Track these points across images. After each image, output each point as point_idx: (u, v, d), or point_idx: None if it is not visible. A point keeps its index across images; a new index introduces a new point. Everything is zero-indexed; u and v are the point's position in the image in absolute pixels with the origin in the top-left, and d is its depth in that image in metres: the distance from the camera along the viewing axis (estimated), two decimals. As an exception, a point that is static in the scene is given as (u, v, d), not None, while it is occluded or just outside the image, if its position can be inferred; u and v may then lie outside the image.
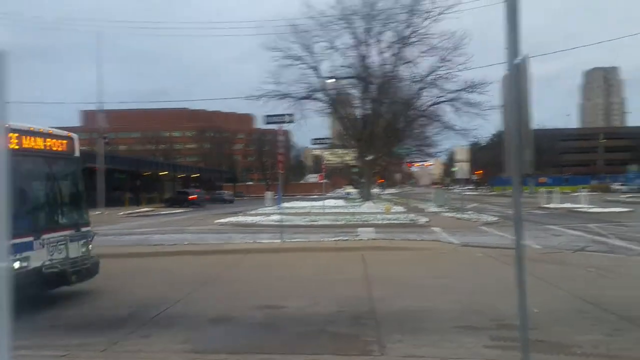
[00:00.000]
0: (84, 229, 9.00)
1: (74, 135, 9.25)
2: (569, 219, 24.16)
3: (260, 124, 49.45)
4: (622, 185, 60.73)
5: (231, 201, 62.02)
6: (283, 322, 7.07)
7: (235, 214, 30.97)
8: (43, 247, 7.96)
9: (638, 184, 58.35)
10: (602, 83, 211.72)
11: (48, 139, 8.54)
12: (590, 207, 30.43)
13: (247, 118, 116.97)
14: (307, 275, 10.60)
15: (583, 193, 35.61)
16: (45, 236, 8.04)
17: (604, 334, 6.15)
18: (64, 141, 8.92)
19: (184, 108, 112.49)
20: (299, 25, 34.85)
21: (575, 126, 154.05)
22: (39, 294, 7.95)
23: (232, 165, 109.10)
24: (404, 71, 36.97)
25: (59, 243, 8.24)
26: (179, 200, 48.87)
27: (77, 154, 9.24)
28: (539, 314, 6.91)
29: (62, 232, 8.44)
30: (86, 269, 8.73)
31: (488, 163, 75.02)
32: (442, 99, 37.00)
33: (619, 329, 6.32)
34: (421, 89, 37.34)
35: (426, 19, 33.62)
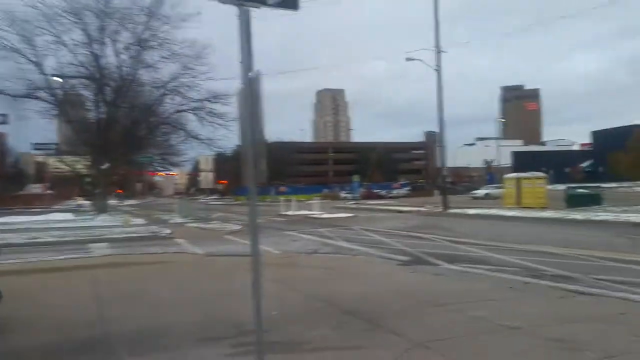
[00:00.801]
0: None
1: None
2: (304, 225, 26.29)
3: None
4: (347, 193, 69.02)
5: None
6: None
7: None
8: None
9: (359, 192, 67.07)
10: (331, 102, 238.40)
11: None
12: (322, 214, 33.70)
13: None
14: (21, 302, 8.97)
15: (316, 201, 39.39)
16: None
17: (330, 327, 6.75)
18: None
19: None
20: (16, 12, 30.38)
21: (309, 140, 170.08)
22: None
23: None
24: (145, 75, 35.52)
25: None
26: None
27: None
28: (277, 316, 7.26)
29: None
30: None
31: (232, 173, 77.38)
32: (186, 107, 36.68)
33: (343, 322, 7.01)
34: (163, 95, 36.38)
35: (166, 24, 32.89)
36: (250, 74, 4.70)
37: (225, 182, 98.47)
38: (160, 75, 35.20)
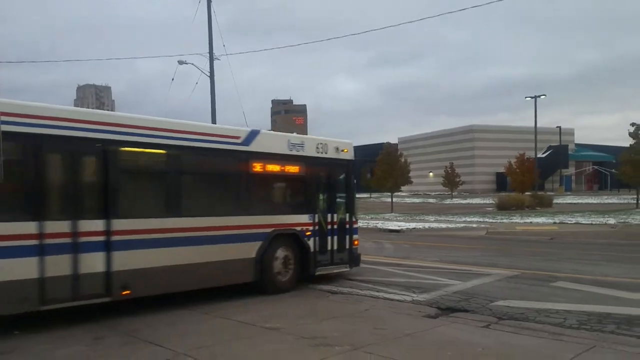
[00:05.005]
0: None
1: None
2: None
3: None
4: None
5: None
6: None
7: None
8: None
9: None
10: (94, 100, 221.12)
11: None
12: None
13: None
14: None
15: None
16: None
17: (86, 344, 6.20)
18: None
19: None
20: None
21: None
22: None
23: None
24: None
25: None
26: None
27: None
28: (20, 335, 6.43)
29: None
30: None
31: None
32: None
33: (100, 337, 6.50)
34: None
35: None
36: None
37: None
38: None
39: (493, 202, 45.48)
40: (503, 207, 39.83)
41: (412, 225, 25.64)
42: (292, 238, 9.64)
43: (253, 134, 9.36)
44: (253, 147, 9.21)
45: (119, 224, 7.35)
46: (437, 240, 19.48)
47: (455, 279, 10.49)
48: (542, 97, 52.34)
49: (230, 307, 8.14)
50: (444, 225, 25.69)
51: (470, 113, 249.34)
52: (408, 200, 66.90)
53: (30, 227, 6.57)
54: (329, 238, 10.30)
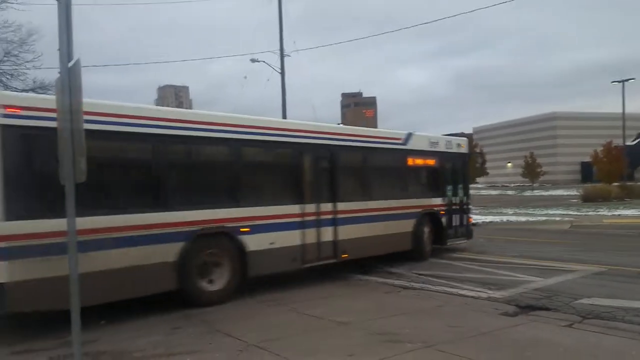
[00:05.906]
0: None
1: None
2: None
3: None
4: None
5: None
6: None
7: None
8: None
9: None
10: (173, 99, 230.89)
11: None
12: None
13: None
14: None
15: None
16: None
17: (164, 333, 6.46)
18: None
19: None
20: None
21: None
22: None
23: None
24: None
25: None
26: None
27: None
28: (106, 325, 6.80)
29: None
30: None
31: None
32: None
33: (177, 327, 6.75)
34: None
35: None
36: (69, 63, 4.29)
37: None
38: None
39: (577, 193, 43.16)
40: (589, 199, 37.74)
41: (489, 218, 24.83)
42: (432, 216, 12.42)
43: (409, 136, 12.09)
44: (409, 145, 12.01)
45: (341, 206, 10.05)
46: (516, 234, 18.71)
47: (535, 276, 10.01)
48: (631, 80, 48.88)
49: (298, 300, 8.21)
50: (523, 219, 24.68)
51: (545, 100, 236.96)
52: (484, 192, 64.79)
53: (296, 208, 9.28)
54: (454, 216, 13.06)
